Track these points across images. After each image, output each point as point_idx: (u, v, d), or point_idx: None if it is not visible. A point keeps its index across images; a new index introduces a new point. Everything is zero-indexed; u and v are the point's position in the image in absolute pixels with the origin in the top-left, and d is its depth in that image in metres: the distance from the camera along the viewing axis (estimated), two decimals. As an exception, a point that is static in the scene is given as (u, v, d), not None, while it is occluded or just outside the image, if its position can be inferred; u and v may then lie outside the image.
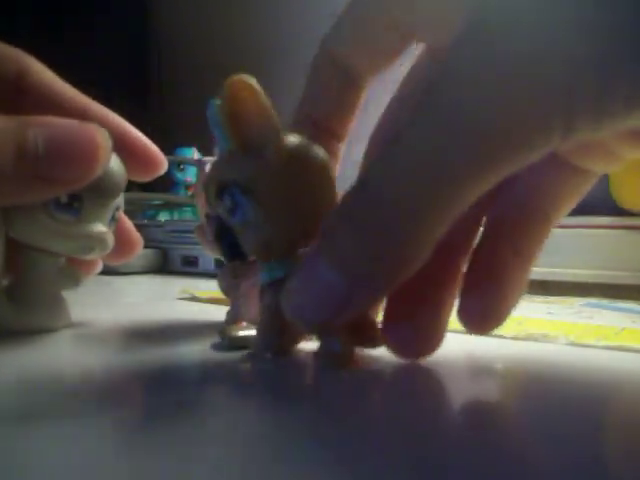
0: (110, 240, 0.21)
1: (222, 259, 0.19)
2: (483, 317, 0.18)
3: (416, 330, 0.17)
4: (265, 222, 0.16)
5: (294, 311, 0.15)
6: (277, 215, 0.17)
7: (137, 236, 0.25)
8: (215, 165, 0.17)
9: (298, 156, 0.17)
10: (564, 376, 0.17)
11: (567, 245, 0.35)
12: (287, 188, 0.16)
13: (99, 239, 0.21)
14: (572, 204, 0.19)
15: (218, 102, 0.17)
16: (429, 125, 0.13)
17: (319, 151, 0.17)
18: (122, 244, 0.24)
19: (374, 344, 0.18)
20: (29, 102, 0.21)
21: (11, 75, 0.21)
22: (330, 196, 0.18)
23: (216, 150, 0.22)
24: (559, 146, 0.13)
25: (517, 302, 0.18)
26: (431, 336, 0.17)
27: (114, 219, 0.22)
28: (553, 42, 0.12)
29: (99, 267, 0.25)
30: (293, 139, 0.17)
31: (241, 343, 0.19)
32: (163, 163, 0.23)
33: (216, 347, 0.19)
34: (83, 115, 0.21)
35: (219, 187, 0.17)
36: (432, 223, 0.14)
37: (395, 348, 0.17)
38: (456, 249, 0.18)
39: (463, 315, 0.17)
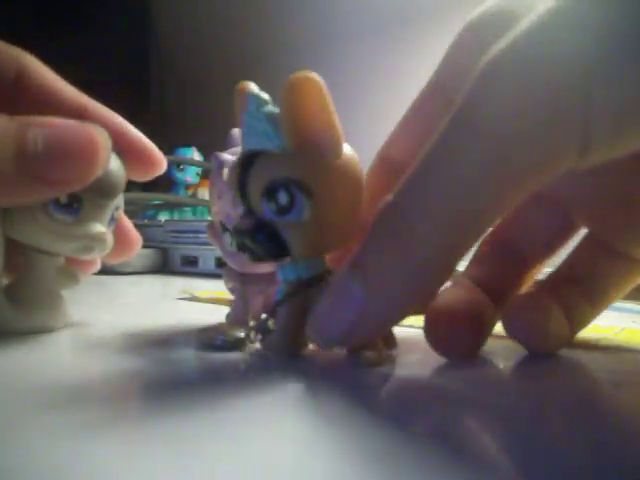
0: (109, 240, 0.21)
1: (250, 257, 0.18)
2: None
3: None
4: (320, 221, 0.16)
5: (318, 331, 0.16)
6: (332, 214, 0.17)
7: (136, 235, 0.25)
8: (263, 163, 0.17)
9: (350, 158, 0.17)
10: (564, 376, 0.17)
11: (567, 245, 0.35)
12: (343, 189, 0.17)
13: (99, 239, 0.21)
14: (624, 291, 0.21)
15: (262, 95, 0.17)
16: (453, 159, 0.14)
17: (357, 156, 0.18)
18: (121, 243, 0.24)
19: (391, 346, 0.19)
20: (28, 101, 0.21)
21: (11, 74, 0.21)
22: (361, 200, 0.18)
23: (230, 146, 0.22)
24: (578, 165, 0.13)
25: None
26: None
27: (113, 219, 0.22)
28: (567, 67, 0.12)
29: (97, 266, 0.25)
30: (345, 144, 0.17)
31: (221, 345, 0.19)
32: (162, 163, 0.23)
33: (214, 347, 0.19)
34: (82, 114, 0.21)
35: (272, 185, 0.16)
36: (455, 253, 0.15)
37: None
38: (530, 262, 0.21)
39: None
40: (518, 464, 0.11)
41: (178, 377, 0.17)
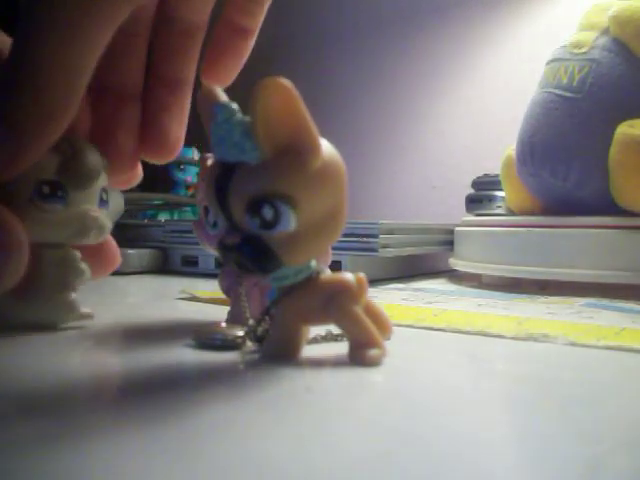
0: (106, 221, 0.21)
1: (236, 266, 0.17)
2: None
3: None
4: (308, 227, 0.16)
5: None
6: (319, 219, 0.16)
7: (115, 248, 0.24)
8: (242, 177, 0.16)
9: (331, 160, 0.16)
10: (564, 376, 0.17)
11: (567, 245, 0.35)
12: (327, 190, 0.16)
13: (92, 218, 0.21)
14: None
15: (230, 105, 0.16)
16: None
17: (338, 152, 0.17)
18: (101, 259, 0.24)
19: (387, 335, 0.19)
20: None
21: None
22: (345, 195, 0.17)
23: (207, 158, 0.22)
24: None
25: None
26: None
27: (104, 201, 0.22)
28: None
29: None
30: (324, 143, 0.16)
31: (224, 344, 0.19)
32: (136, 177, 0.24)
33: (214, 347, 0.19)
34: None
35: (255, 201, 0.16)
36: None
37: None
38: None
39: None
40: (517, 464, 0.11)
41: (177, 377, 0.17)
